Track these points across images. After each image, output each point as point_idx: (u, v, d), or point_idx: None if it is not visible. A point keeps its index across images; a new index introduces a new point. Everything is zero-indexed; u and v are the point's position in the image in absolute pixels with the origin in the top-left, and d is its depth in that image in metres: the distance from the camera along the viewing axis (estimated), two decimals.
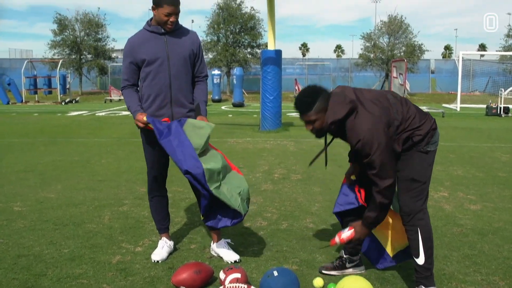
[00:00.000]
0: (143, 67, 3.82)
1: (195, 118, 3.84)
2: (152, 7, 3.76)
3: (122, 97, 26.90)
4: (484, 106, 20.56)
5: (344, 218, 3.63)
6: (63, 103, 26.00)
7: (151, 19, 3.87)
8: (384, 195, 3.08)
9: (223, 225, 3.68)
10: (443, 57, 73.71)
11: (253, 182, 6.69)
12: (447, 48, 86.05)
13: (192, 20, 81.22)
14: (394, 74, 21.70)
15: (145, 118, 3.66)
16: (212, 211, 3.64)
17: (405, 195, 3.22)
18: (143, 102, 3.86)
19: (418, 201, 3.21)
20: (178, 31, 3.89)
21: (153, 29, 3.82)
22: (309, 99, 3.15)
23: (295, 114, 13.42)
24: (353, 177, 3.60)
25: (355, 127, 3.05)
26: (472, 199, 5.89)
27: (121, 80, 3.95)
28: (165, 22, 3.73)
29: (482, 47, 76.73)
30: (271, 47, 13.21)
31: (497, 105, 19.30)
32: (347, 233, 3.33)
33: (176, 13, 3.74)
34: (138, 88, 3.94)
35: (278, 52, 13.10)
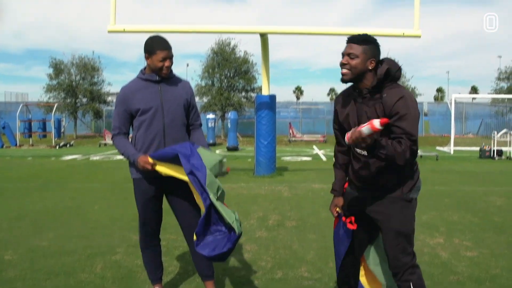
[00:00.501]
0: (137, 116, 3.81)
1: None
2: (145, 56, 3.78)
3: None
4: (478, 148, 20.63)
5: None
6: (57, 147, 25.92)
7: (145, 67, 3.89)
8: (413, 148, 2.93)
9: (216, 252, 3.39)
10: (435, 100, 74.48)
11: (248, 229, 6.62)
12: (440, 90, 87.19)
13: (187, 64, 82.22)
14: None
15: (150, 159, 3.62)
16: (206, 234, 3.49)
17: (393, 251, 3.14)
18: (137, 151, 3.82)
19: (407, 255, 3.14)
20: (172, 79, 3.90)
21: (147, 77, 3.82)
22: (366, 37, 3.13)
23: (289, 158, 13.43)
24: (338, 210, 3.52)
25: (397, 87, 3.06)
26: (468, 246, 5.85)
27: (112, 127, 3.93)
28: (161, 68, 3.74)
29: (474, 90, 77.70)
30: (265, 92, 13.29)
31: (491, 148, 19.35)
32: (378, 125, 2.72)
33: (170, 57, 3.76)
34: (131, 137, 3.93)
35: (273, 97, 13.19)
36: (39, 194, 9.65)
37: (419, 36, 11.21)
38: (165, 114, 3.80)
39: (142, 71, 3.90)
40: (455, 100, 24.04)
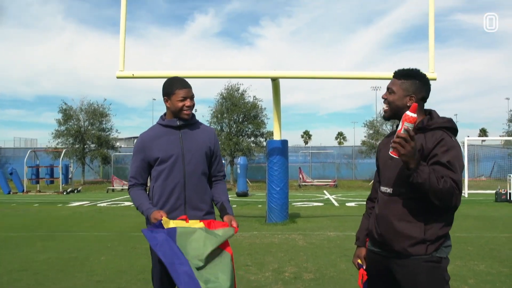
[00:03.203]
0: (156, 166, 3.50)
1: (221, 219, 3.40)
2: (164, 99, 3.53)
3: (124, 187, 26.79)
4: (492, 191, 20.22)
5: None
6: (64, 193, 25.68)
7: (165, 113, 3.62)
8: (458, 186, 2.57)
9: None
10: None
11: (263, 283, 6.21)
12: None
13: (196, 110, 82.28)
14: None
15: (164, 216, 3.21)
16: None
17: None
18: (154, 204, 3.49)
19: None
20: (194, 125, 3.62)
21: (168, 123, 3.55)
22: (408, 72, 2.89)
23: (301, 204, 13.09)
24: (359, 261, 3.14)
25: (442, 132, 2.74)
26: None
27: (128, 178, 3.62)
28: (181, 109, 3.47)
29: (483, 132, 77.40)
30: (277, 137, 13.03)
31: (507, 191, 18.98)
32: (411, 114, 2.51)
33: (191, 96, 3.51)
34: (148, 188, 3.60)
35: (284, 142, 12.91)
36: (43, 243, 9.27)
37: (435, 79, 10.96)
38: (186, 164, 3.48)
39: (162, 117, 3.63)
40: (467, 143, 23.75)
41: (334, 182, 31.66)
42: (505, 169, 29.20)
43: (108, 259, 7.78)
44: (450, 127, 2.79)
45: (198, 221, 3.27)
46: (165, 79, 3.61)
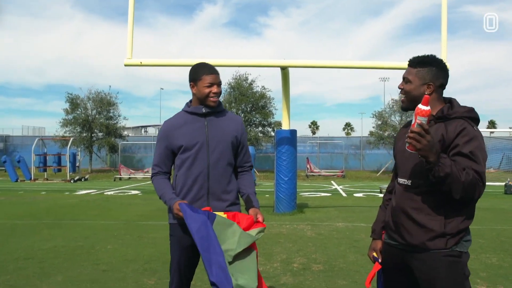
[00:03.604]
0: (179, 154, 3.38)
1: (247, 212, 3.27)
2: (190, 85, 3.41)
3: (131, 175, 26.82)
4: (501, 183, 20.07)
5: None
6: (72, 181, 25.70)
7: (191, 100, 3.50)
8: (482, 178, 2.47)
9: None
10: None
11: (271, 273, 6.11)
12: None
13: None
14: None
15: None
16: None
17: None
18: (177, 193, 3.36)
19: None
20: (221, 113, 3.48)
21: (193, 109, 3.41)
22: (423, 59, 2.75)
23: (308, 194, 12.96)
24: (375, 254, 3.02)
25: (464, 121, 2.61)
26: None
27: (152, 166, 3.50)
28: (207, 95, 3.34)
29: (492, 124, 76.87)
30: (285, 126, 12.89)
31: None
32: (423, 107, 2.40)
33: (218, 83, 3.37)
34: (172, 177, 3.48)
35: (293, 132, 12.78)
36: (49, 232, 9.21)
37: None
38: (211, 152, 3.35)
39: (188, 104, 3.50)
40: None
41: (342, 172, 31.53)
42: None
43: (114, 248, 7.71)
44: (472, 117, 2.66)
45: (222, 213, 3.16)
46: (191, 67, 3.46)
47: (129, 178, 28.14)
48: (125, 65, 11.39)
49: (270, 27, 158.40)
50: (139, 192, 19.17)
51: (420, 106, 2.38)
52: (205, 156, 3.32)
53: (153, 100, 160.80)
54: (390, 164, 34.73)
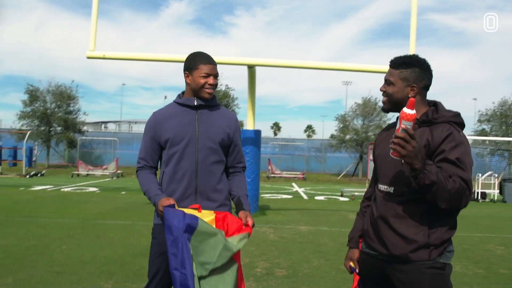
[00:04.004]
0: (166, 149, 3.15)
1: (236, 215, 3.06)
2: (185, 74, 3.19)
3: (89, 172, 26.22)
4: None
5: None
6: (27, 176, 24.93)
7: (183, 92, 3.27)
8: (469, 186, 2.32)
9: None
10: None
11: None
12: None
13: (165, 96, 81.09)
14: (371, 157, 21.37)
15: (173, 203, 2.88)
16: None
17: None
18: (163, 191, 3.11)
19: None
20: (214, 108, 3.26)
21: (184, 101, 3.19)
22: (406, 59, 2.59)
23: (269, 196, 12.79)
24: (352, 264, 2.85)
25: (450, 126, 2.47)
26: None
27: (137, 159, 3.24)
28: (202, 86, 3.12)
29: None
30: (250, 126, 12.72)
31: (475, 190, 19.11)
32: (409, 111, 2.26)
33: (215, 74, 3.16)
34: (158, 173, 3.25)
35: (258, 132, 12.60)
36: (1, 230, 8.77)
37: None
38: (200, 149, 3.13)
39: (180, 95, 3.28)
40: None
41: (303, 174, 31.55)
42: (473, 168, 29.41)
43: (70, 248, 7.37)
44: (457, 122, 2.53)
45: (212, 212, 2.94)
46: (188, 55, 3.23)
47: (87, 174, 27.49)
48: (88, 57, 11.01)
49: (235, 26, 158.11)
50: (97, 189, 18.68)
51: (405, 109, 2.25)
52: (193, 152, 3.12)
53: (114, 96, 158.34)
54: (351, 167, 34.99)
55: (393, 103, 2.61)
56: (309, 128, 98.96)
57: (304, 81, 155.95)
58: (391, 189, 2.54)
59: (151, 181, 3.14)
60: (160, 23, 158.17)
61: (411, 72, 2.56)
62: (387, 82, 2.62)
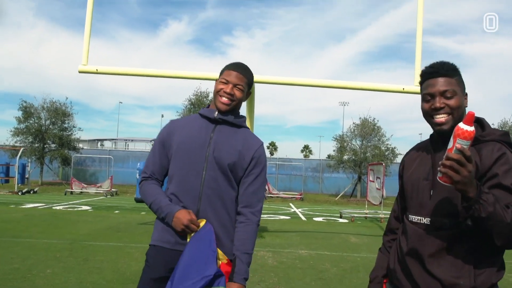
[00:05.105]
0: (171, 162, 2.67)
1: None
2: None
3: (83, 189, 25.73)
4: None
5: None
6: (20, 193, 24.37)
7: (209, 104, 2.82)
8: None
9: None
10: None
11: None
12: None
13: (162, 115, 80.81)
14: (371, 178, 20.90)
15: (193, 216, 2.46)
16: None
17: None
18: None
19: None
20: (238, 127, 2.74)
21: (205, 112, 2.72)
22: (452, 65, 2.14)
23: (267, 217, 12.23)
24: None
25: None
26: None
27: (142, 170, 2.77)
28: (217, 92, 2.65)
29: None
30: None
31: None
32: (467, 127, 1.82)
33: (236, 84, 2.64)
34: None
35: None
36: None
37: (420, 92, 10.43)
38: (208, 169, 2.59)
39: (207, 105, 2.83)
40: None
41: (300, 195, 31.06)
42: None
43: (54, 273, 6.86)
44: (507, 142, 2.07)
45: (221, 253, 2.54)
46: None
47: (81, 192, 26.92)
48: (80, 72, 10.55)
49: (234, 47, 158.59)
50: (90, 208, 18.14)
51: (462, 125, 1.81)
52: (200, 171, 2.60)
53: (111, 114, 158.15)
54: (349, 188, 34.53)
55: (457, 119, 2.08)
56: (306, 148, 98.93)
57: (301, 102, 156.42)
58: (427, 221, 2.09)
59: (158, 191, 2.66)
60: (159, 43, 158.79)
61: (461, 80, 2.15)
62: (447, 93, 2.09)
